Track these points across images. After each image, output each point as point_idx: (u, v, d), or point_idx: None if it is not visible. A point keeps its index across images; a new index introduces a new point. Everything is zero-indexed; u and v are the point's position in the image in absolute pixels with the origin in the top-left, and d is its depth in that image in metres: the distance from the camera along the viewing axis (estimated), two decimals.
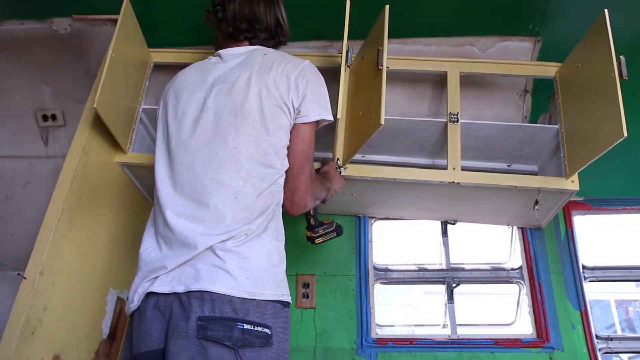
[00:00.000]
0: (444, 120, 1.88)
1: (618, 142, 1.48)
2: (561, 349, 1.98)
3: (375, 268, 2.19)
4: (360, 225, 2.22)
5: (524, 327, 2.11)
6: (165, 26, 2.03)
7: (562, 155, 1.83)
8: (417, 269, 2.25)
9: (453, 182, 1.80)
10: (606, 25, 1.57)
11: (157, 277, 1.20)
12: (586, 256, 2.18)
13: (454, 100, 1.90)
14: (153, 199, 1.37)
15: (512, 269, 2.21)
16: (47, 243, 1.50)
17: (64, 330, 1.60)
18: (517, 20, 2.02)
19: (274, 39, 1.49)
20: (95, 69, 1.91)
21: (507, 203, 1.98)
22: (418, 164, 2.14)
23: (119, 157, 1.87)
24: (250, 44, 1.46)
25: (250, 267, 1.19)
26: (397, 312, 6.42)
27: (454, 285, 2.20)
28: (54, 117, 2.35)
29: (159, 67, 2.01)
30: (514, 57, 2.10)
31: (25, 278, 1.44)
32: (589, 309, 2.05)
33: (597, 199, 2.24)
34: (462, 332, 2.11)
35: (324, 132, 1.55)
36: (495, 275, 2.24)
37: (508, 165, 2.15)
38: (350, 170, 1.80)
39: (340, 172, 1.73)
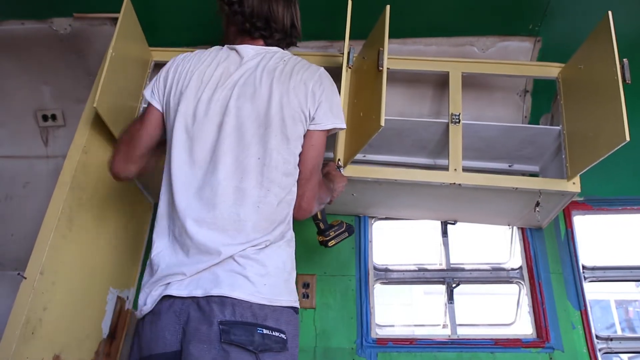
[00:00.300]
0: (446, 120, 1.88)
1: (620, 146, 1.48)
2: (561, 349, 1.98)
3: (375, 268, 2.19)
4: (360, 225, 2.22)
5: (524, 327, 2.11)
6: (166, 25, 2.03)
7: (563, 156, 1.83)
8: (417, 269, 2.25)
9: (454, 183, 1.80)
10: (610, 28, 1.57)
11: (172, 282, 1.18)
12: (586, 256, 2.18)
13: (455, 100, 1.90)
14: (157, 198, 1.34)
15: (512, 269, 2.21)
16: (47, 243, 1.50)
17: (64, 330, 1.60)
18: (517, 20, 2.03)
19: (286, 39, 1.47)
20: (95, 68, 1.91)
21: (508, 204, 1.98)
22: (419, 164, 2.15)
23: None
24: (265, 44, 1.43)
25: (269, 274, 1.19)
26: (397, 312, 6.42)
27: (454, 285, 2.20)
28: (54, 117, 2.35)
29: (159, 66, 2.01)
30: (514, 57, 2.11)
31: (25, 278, 1.44)
32: (589, 309, 2.05)
33: (597, 199, 2.24)
34: (462, 332, 2.11)
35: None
36: (495, 275, 2.24)
37: (509, 166, 2.15)
38: (351, 171, 1.80)
39: (340, 172, 1.73)
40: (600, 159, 1.58)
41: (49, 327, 1.50)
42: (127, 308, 2.02)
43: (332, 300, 2.10)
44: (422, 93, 2.19)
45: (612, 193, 2.25)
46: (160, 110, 1.37)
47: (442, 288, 2.22)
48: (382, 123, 1.46)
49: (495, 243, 2.50)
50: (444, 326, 2.19)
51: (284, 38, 1.46)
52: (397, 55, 1.99)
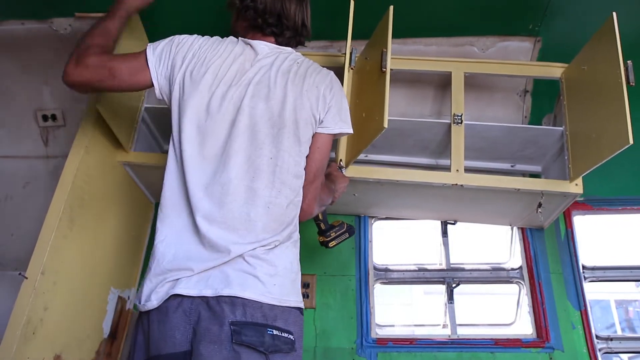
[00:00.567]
0: (448, 121, 1.88)
1: (623, 148, 1.47)
2: (561, 349, 1.98)
3: (375, 268, 2.19)
4: (360, 225, 2.22)
5: (524, 327, 2.11)
6: (168, 25, 2.02)
7: (566, 157, 1.82)
8: (417, 269, 2.25)
9: (456, 184, 1.80)
10: (614, 29, 1.56)
11: (179, 278, 1.16)
12: (586, 256, 2.18)
13: (458, 101, 1.89)
14: (158, 197, 1.31)
15: (512, 269, 2.21)
16: (49, 243, 1.50)
17: (65, 330, 1.60)
18: (517, 20, 2.03)
19: (296, 38, 1.47)
20: None
21: (510, 205, 1.98)
22: (421, 164, 2.14)
23: (121, 156, 1.87)
24: (276, 42, 1.43)
25: (278, 274, 1.20)
26: (397, 312, 6.42)
27: (454, 285, 2.20)
28: (54, 117, 2.34)
29: None
30: (514, 57, 2.10)
31: (26, 278, 1.44)
32: (589, 309, 2.05)
33: (598, 199, 2.24)
34: (462, 332, 2.11)
35: None
36: (495, 275, 2.24)
37: (512, 166, 2.15)
38: (353, 171, 1.80)
39: (342, 173, 1.73)
40: (603, 161, 1.58)
41: (50, 327, 1.50)
42: (128, 308, 2.02)
43: (332, 300, 2.10)
44: (424, 93, 2.19)
45: (612, 193, 2.25)
46: (156, 84, 1.33)
47: (442, 288, 2.22)
48: (386, 124, 1.45)
49: (495, 243, 2.50)
50: (444, 326, 2.19)
51: (295, 36, 1.46)
52: (398, 54, 1.99)
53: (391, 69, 1.58)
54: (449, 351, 2.00)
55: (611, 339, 2.08)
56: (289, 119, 1.28)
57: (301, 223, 1.38)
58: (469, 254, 2.50)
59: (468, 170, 1.83)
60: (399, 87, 2.13)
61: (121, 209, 1.95)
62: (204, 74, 1.30)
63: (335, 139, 1.71)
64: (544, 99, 2.13)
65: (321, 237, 1.70)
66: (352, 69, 1.81)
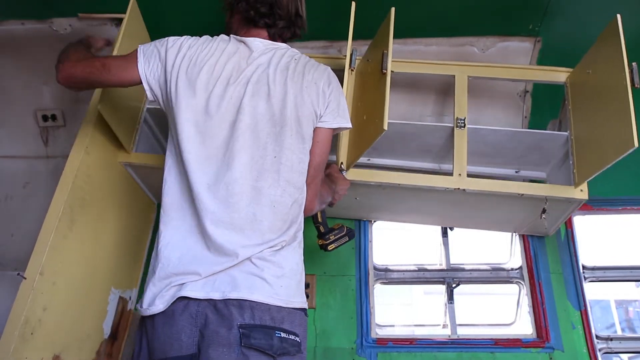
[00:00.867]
0: (451, 125, 1.85)
1: (629, 152, 1.45)
2: (561, 349, 1.98)
3: (375, 268, 2.19)
4: (360, 226, 2.22)
5: (524, 327, 2.11)
6: (170, 25, 2.02)
7: (571, 162, 1.79)
8: (417, 269, 2.25)
9: (458, 188, 1.77)
10: (618, 31, 1.54)
11: (185, 282, 1.16)
12: (586, 256, 2.18)
13: (461, 104, 1.86)
14: (160, 197, 1.31)
15: (512, 269, 2.21)
16: (48, 244, 1.50)
17: (64, 331, 1.60)
18: (517, 20, 2.02)
19: (290, 29, 1.45)
20: None
21: (514, 211, 1.95)
22: (424, 168, 2.11)
23: (122, 157, 1.87)
24: (269, 35, 1.42)
25: (284, 275, 1.20)
26: (397, 312, 6.42)
27: (454, 285, 2.20)
28: (54, 117, 2.35)
29: None
30: (514, 57, 2.10)
31: (25, 278, 1.44)
32: (589, 309, 2.05)
33: (598, 199, 2.24)
34: (462, 332, 2.11)
35: None
36: (495, 276, 2.24)
37: (516, 171, 2.11)
38: (354, 175, 1.78)
39: (343, 175, 1.72)
40: (608, 166, 1.55)
41: (49, 328, 1.50)
42: (129, 308, 2.02)
43: (332, 300, 2.10)
44: (424, 95, 2.18)
45: (613, 193, 2.25)
46: (145, 83, 1.33)
47: (442, 288, 2.22)
48: (386, 127, 1.43)
49: (495, 243, 2.50)
50: (444, 326, 2.19)
51: (288, 27, 1.44)
52: (398, 54, 1.98)
53: (394, 72, 1.57)
54: (449, 351, 2.00)
55: (611, 339, 2.08)
56: (291, 116, 1.28)
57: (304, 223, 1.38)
58: (469, 254, 2.50)
59: (472, 175, 1.80)
60: (400, 89, 2.13)
61: (122, 209, 1.94)
62: (198, 73, 1.29)
63: (335, 140, 1.72)
64: (544, 99, 2.13)
65: (320, 240, 1.69)
66: (352, 70, 1.80)
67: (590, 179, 1.70)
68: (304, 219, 1.36)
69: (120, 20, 1.94)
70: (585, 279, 2.13)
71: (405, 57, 1.99)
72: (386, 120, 1.44)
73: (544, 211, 1.88)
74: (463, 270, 2.24)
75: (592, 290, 2.15)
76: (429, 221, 2.23)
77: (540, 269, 2.13)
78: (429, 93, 2.19)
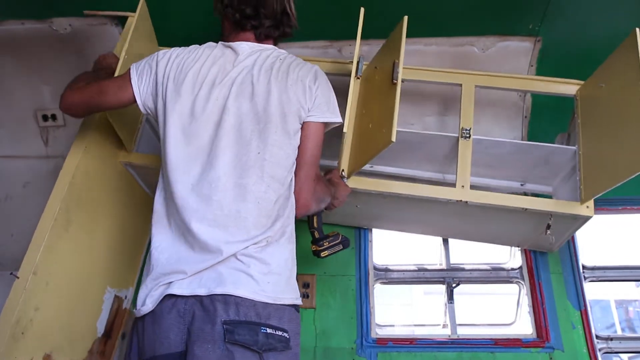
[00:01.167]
0: (456, 135, 1.80)
1: None
2: (561, 349, 1.98)
3: (375, 268, 2.19)
4: (360, 234, 2.21)
5: (524, 327, 2.11)
6: (174, 25, 2.02)
7: (578, 178, 1.73)
8: (417, 269, 2.26)
9: (461, 200, 1.73)
10: (637, 44, 1.47)
11: (172, 281, 1.17)
12: (586, 256, 2.18)
13: (467, 114, 1.80)
14: (154, 199, 1.34)
15: (512, 269, 2.21)
16: (42, 244, 1.50)
17: (57, 330, 1.59)
18: (517, 20, 2.02)
19: (279, 28, 1.45)
20: None
21: (518, 225, 1.90)
22: (428, 177, 2.08)
23: (122, 156, 1.87)
24: (256, 37, 1.43)
25: (271, 272, 1.20)
26: (397, 312, 6.42)
27: (454, 285, 2.20)
28: (54, 117, 2.35)
29: None
30: (514, 57, 2.10)
31: (18, 278, 1.44)
32: (589, 309, 2.05)
33: (598, 199, 2.23)
34: (462, 332, 2.11)
35: (331, 140, 1.51)
36: (495, 275, 2.24)
37: (521, 184, 2.07)
38: (356, 183, 1.75)
39: (344, 182, 1.71)
40: (618, 184, 1.49)
41: (41, 327, 1.49)
42: (124, 307, 2.01)
43: (332, 300, 2.10)
44: (426, 94, 2.18)
45: (613, 193, 2.23)
46: (139, 99, 1.38)
47: (442, 288, 2.22)
48: (394, 138, 1.38)
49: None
50: (444, 326, 2.19)
51: (276, 26, 1.44)
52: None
53: (403, 82, 1.53)
54: (449, 351, 2.00)
55: (611, 339, 2.08)
56: (275, 113, 1.29)
57: (301, 222, 1.38)
58: (469, 253, 2.50)
59: (476, 187, 1.76)
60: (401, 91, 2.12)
61: (121, 209, 1.94)
62: (184, 79, 1.33)
63: (337, 147, 1.70)
64: (544, 98, 2.13)
65: (314, 246, 1.68)
66: (358, 78, 1.77)
67: (597, 196, 1.64)
68: (301, 221, 1.36)
69: (124, 18, 1.94)
70: (585, 278, 2.13)
71: (405, 56, 1.98)
72: (394, 132, 1.39)
73: (548, 227, 1.81)
74: (463, 270, 2.24)
75: (592, 290, 2.15)
76: (430, 232, 2.21)
77: (540, 269, 2.13)
78: (430, 91, 2.18)
